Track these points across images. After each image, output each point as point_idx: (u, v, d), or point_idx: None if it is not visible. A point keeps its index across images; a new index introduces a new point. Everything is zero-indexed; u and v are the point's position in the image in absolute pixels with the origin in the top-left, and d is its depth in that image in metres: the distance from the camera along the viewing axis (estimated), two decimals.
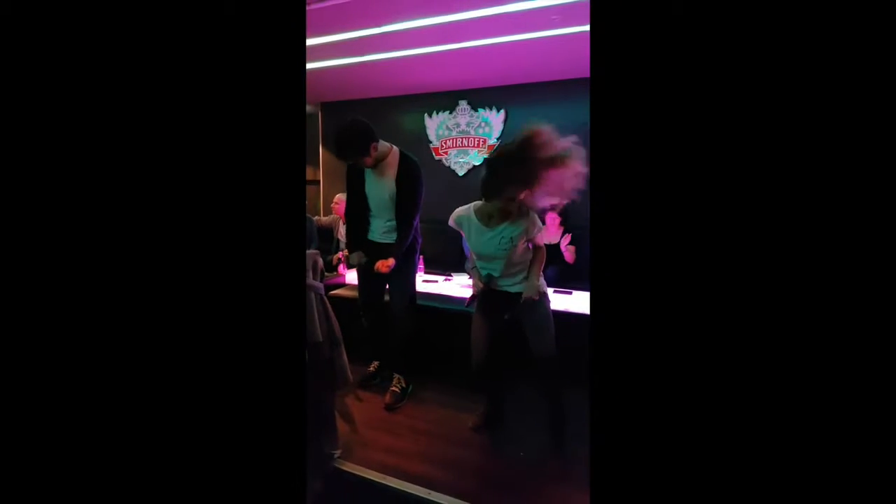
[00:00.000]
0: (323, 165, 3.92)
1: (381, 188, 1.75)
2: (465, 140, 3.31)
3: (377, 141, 1.68)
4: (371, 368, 2.01)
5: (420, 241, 1.88)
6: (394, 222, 1.78)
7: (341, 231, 3.13)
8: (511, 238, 1.40)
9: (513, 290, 1.49)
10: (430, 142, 3.41)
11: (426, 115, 3.38)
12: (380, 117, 3.56)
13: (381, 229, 1.82)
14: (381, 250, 1.77)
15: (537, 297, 1.43)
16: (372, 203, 1.80)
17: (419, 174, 1.77)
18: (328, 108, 3.80)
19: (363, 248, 1.82)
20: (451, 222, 1.52)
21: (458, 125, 3.32)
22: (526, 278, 1.47)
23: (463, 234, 1.54)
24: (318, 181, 3.95)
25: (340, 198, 3.20)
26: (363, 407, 1.69)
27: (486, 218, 1.42)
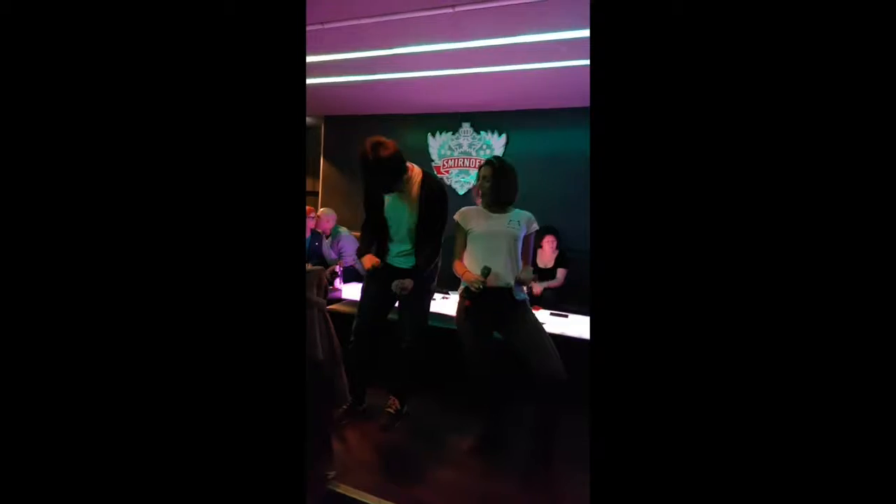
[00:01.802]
0: (323, 178, 3.94)
1: (401, 209, 1.65)
2: (466, 160, 3.36)
3: (407, 171, 1.60)
4: (344, 406, 1.72)
5: (439, 265, 1.77)
6: (411, 246, 1.68)
7: (325, 245, 3.12)
8: (519, 221, 1.62)
9: (510, 285, 1.59)
10: (433, 160, 3.46)
11: (429, 134, 3.44)
12: (383, 134, 3.53)
13: (398, 252, 1.72)
14: (398, 275, 1.64)
15: (533, 279, 1.54)
16: (392, 224, 1.69)
17: (445, 195, 1.67)
18: (332, 121, 3.84)
19: (378, 270, 1.68)
20: (456, 216, 1.67)
21: (460, 146, 3.38)
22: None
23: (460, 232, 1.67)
24: (317, 193, 3.96)
25: (323, 213, 3.18)
26: (356, 427, 1.67)
27: (493, 208, 1.65)
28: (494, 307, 1.55)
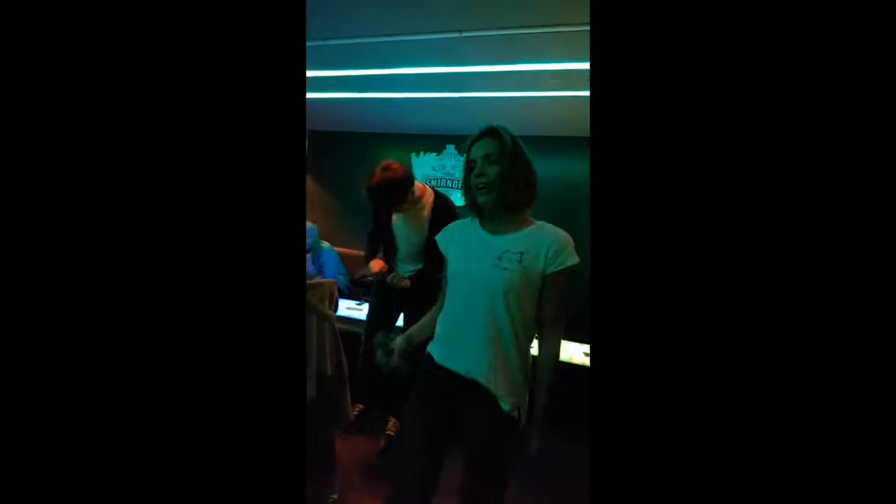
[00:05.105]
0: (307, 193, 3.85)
1: (410, 229, 1.67)
2: (449, 182, 3.41)
3: (413, 185, 1.58)
4: (354, 412, 1.84)
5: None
6: (419, 266, 1.70)
7: (306, 260, 3.03)
8: (521, 253, 0.87)
9: (480, 378, 0.86)
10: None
11: (413, 154, 3.48)
12: (368, 151, 3.61)
13: (406, 272, 1.75)
14: (403, 291, 1.68)
15: (532, 440, 0.87)
16: (400, 243, 1.73)
17: (456, 214, 1.62)
18: (316, 136, 3.80)
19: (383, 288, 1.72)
20: (437, 237, 1.05)
21: (443, 167, 3.43)
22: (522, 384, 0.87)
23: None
24: None
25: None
26: (353, 448, 1.60)
27: (492, 223, 0.94)
28: (446, 402, 0.91)
